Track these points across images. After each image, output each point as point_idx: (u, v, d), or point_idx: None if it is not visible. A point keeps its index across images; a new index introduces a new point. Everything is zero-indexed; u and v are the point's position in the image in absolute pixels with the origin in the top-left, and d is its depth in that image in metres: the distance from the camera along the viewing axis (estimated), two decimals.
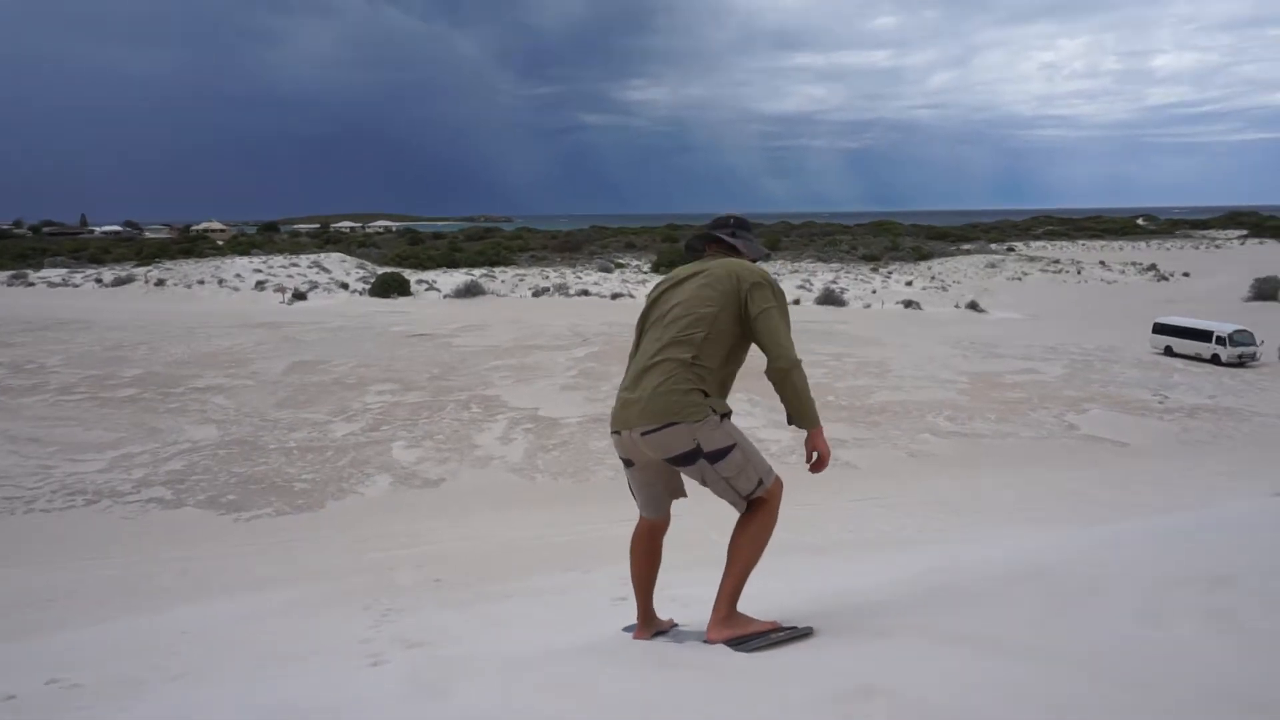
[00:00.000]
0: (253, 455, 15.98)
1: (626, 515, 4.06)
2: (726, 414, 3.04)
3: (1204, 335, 29.50)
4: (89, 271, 56.29)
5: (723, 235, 3.35)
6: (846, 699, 2.20)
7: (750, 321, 3.02)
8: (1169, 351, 30.21)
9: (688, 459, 2.97)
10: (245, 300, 43.55)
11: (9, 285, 49.61)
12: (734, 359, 3.11)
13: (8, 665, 6.40)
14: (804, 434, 3.10)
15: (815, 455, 3.04)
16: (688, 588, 6.64)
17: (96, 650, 6.80)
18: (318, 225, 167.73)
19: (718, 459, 2.97)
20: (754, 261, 3.28)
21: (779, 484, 3.15)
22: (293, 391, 21.09)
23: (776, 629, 3.02)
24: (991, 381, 23.89)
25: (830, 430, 18.35)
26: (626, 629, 3.61)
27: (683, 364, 2.95)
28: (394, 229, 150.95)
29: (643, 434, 2.98)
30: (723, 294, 3.03)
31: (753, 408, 18.51)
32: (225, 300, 43.84)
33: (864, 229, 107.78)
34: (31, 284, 50.21)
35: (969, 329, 35.69)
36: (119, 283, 49.44)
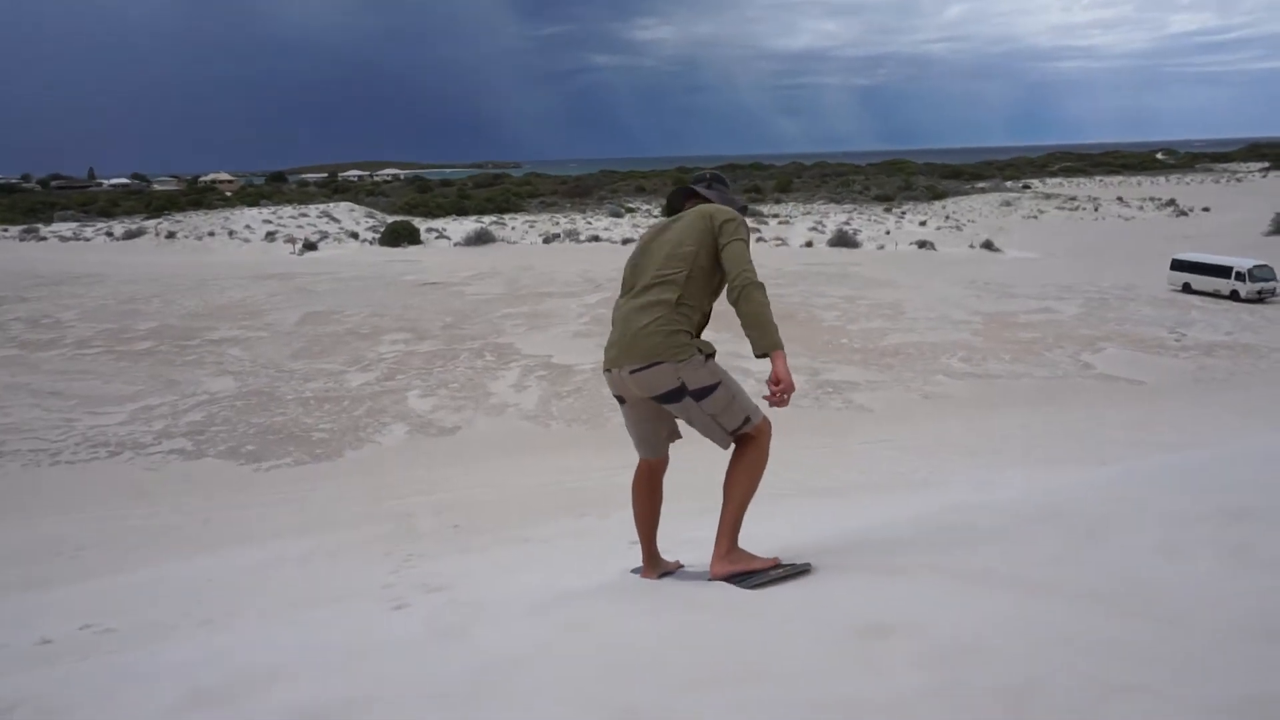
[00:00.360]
0: (270, 406, 16.15)
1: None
2: (711, 354, 3.14)
3: (1223, 271, 29.10)
4: (99, 225, 56.27)
5: (699, 189, 3.53)
6: (865, 635, 2.22)
7: (720, 251, 3.15)
8: (1187, 288, 29.86)
9: (673, 396, 3.09)
10: (256, 251, 43.55)
11: (20, 240, 49.71)
12: (714, 297, 3.24)
13: (42, 611, 6.58)
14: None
15: (775, 387, 2.93)
16: (705, 530, 6.71)
17: (126, 597, 6.97)
18: (325, 174, 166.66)
19: (702, 396, 3.08)
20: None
21: (767, 423, 3.22)
22: (307, 342, 21.20)
23: (777, 565, 3.12)
24: (1006, 322, 23.73)
25: (843, 373, 18.37)
26: (634, 570, 3.67)
27: (669, 305, 3.09)
28: (402, 177, 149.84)
29: (631, 372, 3.10)
30: (699, 233, 3.18)
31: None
32: (236, 252, 43.84)
33: (877, 169, 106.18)
34: (43, 238, 50.29)
35: (983, 269, 35.34)
36: (130, 236, 49.44)
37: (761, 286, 3.03)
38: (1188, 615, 2.13)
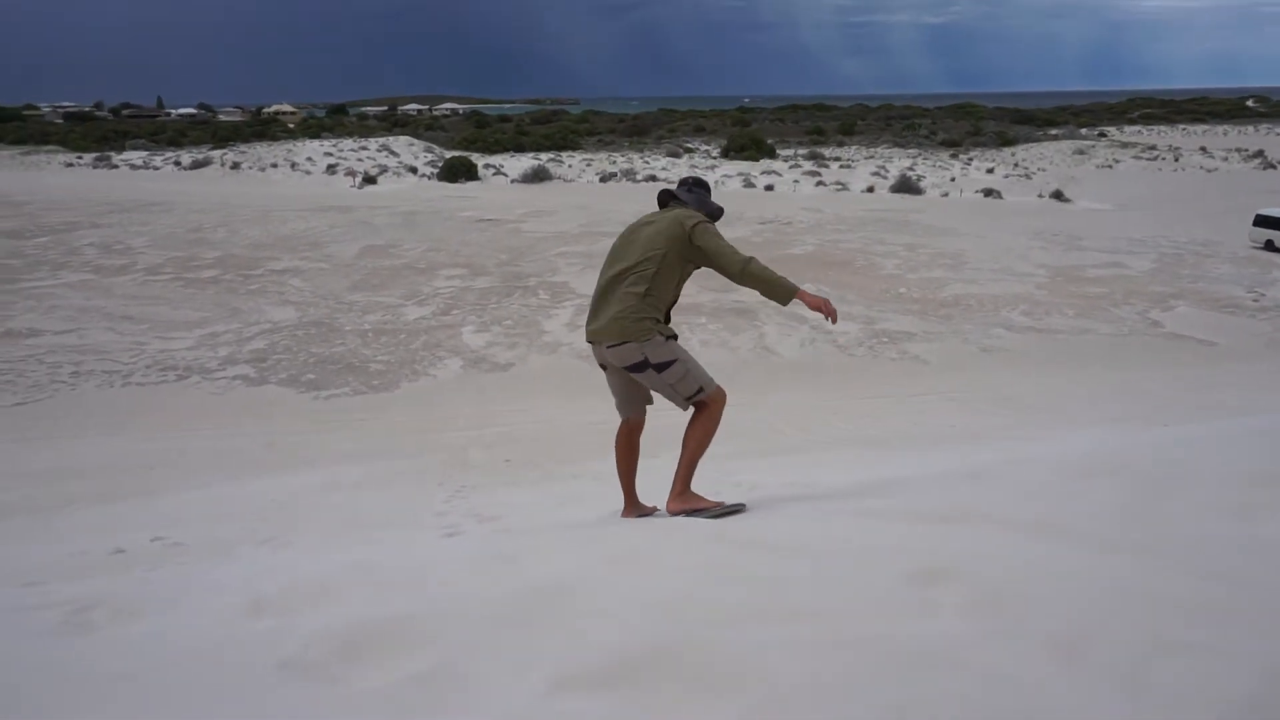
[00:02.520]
0: (329, 337, 16.51)
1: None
2: (672, 336, 3.82)
3: None
4: (168, 154, 57.46)
5: (679, 193, 4.17)
6: (914, 579, 2.20)
7: (700, 252, 3.78)
8: (1270, 246, 28.45)
9: (639, 368, 3.79)
10: (317, 184, 44.09)
11: (94, 167, 51.09)
12: (679, 287, 3.91)
13: (116, 522, 6.91)
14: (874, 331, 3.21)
15: (821, 312, 3.66)
16: (752, 474, 6.72)
17: (193, 513, 7.29)
18: (385, 107, 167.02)
19: (662, 369, 3.76)
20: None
21: (720, 392, 3.88)
22: (365, 275, 21.53)
23: (721, 505, 3.83)
24: (1072, 275, 22.98)
25: (899, 323, 18.05)
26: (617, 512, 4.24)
27: (638, 296, 3.75)
28: (460, 111, 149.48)
29: (608, 347, 3.79)
30: (669, 237, 3.80)
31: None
32: (298, 183, 44.45)
33: (944, 112, 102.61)
34: (115, 166, 51.60)
35: (1052, 220, 34.14)
36: (196, 165, 50.45)
37: (754, 259, 3.72)
38: (1251, 576, 2.07)
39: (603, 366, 4.00)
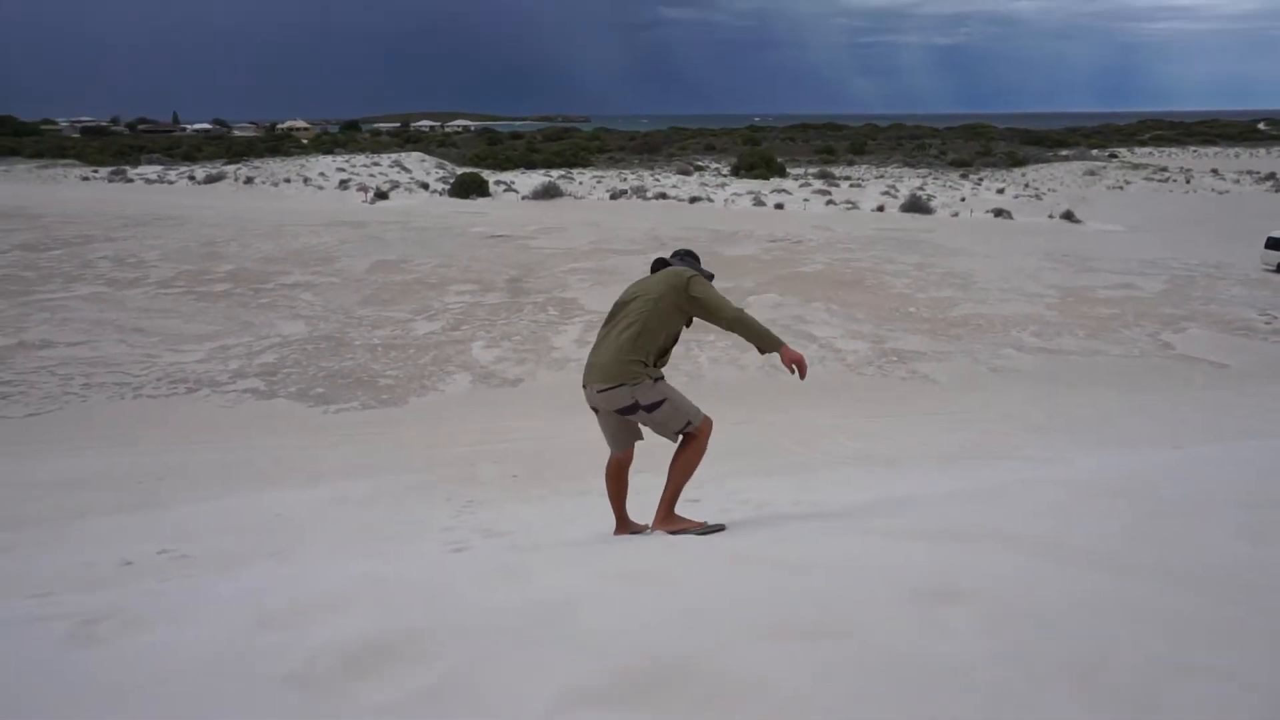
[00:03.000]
0: (339, 351, 16.57)
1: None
2: (659, 378, 4.02)
3: None
4: (182, 168, 58.00)
5: (672, 261, 4.51)
6: (927, 598, 2.18)
7: (695, 302, 4.04)
8: None
9: (629, 410, 4.01)
10: (329, 199, 44.39)
11: (110, 181, 51.59)
12: (671, 336, 4.12)
13: (125, 534, 6.93)
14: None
15: (794, 367, 3.93)
16: (761, 492, 6.69)
17: (201, 526, 7.29)
18: (398, 124, 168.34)
19: (652, 410, 3.98)
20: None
21: (708, 423, 4.11)
22: (376, 290, 21.63)
23: (703, 526, 4.07)
24: (1083, 296, 22.90)
25: (909, 342, 18.01)
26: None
27: (630, 339, 3.96)
28: (472, 128, 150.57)
29: (598, 390, 4.01)
30: (665, 286, 4.09)
31: (830, 317, 18.26)
32: (310, 198, 44.76)
33: (954, 132, 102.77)
34: (130, 180, 52.10)
35: (1062, 240, 34.08)
36: (210, 180, 50.90)
37: (743, 312, 4.02)
38: (1262, 598, 2.04)
39: (594, 409, 4.20)
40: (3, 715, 1.86)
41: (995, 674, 1.78)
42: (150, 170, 56.82)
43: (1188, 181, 60.58)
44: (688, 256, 4.57)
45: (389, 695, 1.89)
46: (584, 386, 4.18)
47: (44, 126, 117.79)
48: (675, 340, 4.20)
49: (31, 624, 2.51)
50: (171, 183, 51.28)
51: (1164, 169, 67.47)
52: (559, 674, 1.90)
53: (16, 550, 6.53)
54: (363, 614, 2.38)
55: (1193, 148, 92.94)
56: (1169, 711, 1.61)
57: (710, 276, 4.31)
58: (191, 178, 52.33)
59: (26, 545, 6.78)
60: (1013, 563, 2.44)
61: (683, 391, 4.22)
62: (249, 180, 49.82)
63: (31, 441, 11.93)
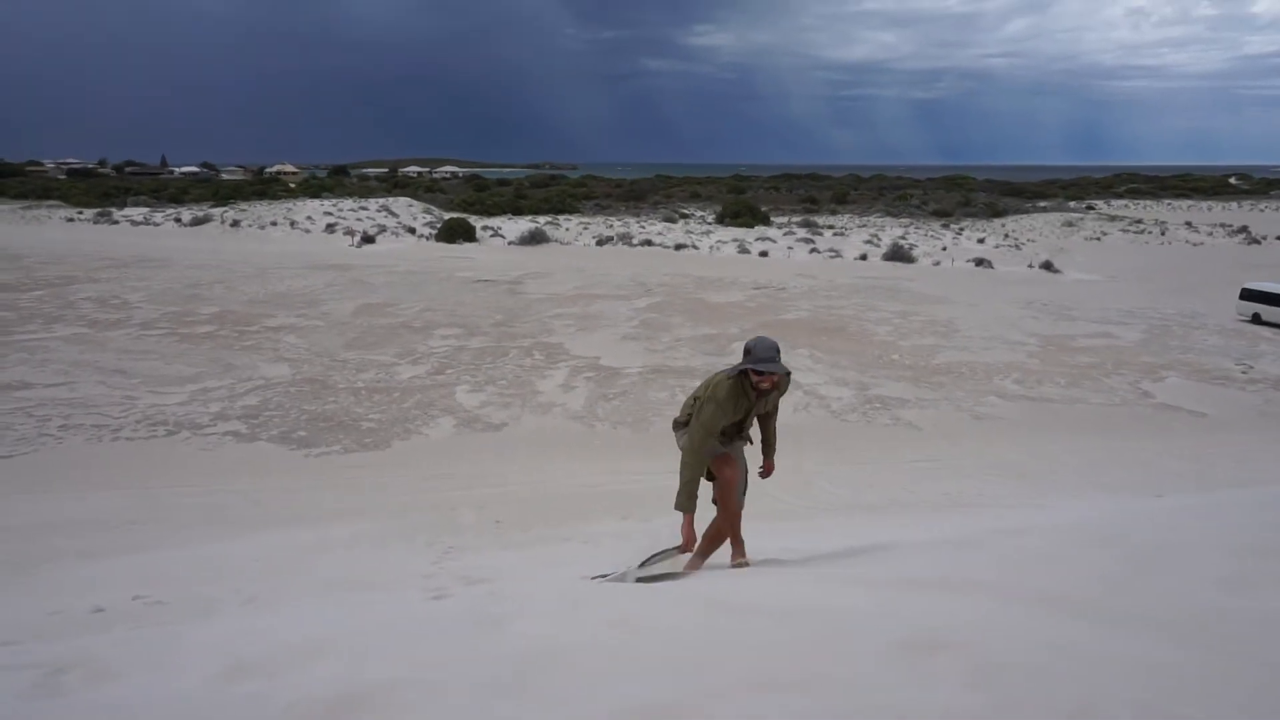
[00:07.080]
0: (323, 394, 16.45)
1: None
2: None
3: None
4: (169, 211, 57.97)
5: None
6: (912, 649, 2.16)
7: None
8: (1257, 319, 28.78)
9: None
10: (316, 242, 44.46)
11: (95, 223, 51.47)
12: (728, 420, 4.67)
13: (97, 581, 6.78)
14: (884, 396, 3.26)
15: (686, 545, 4.57)
16: (747, 539, 6.64)
17: (177, 571, 7.15)
18: (386, 169, 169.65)
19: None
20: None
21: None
22: (361, 333, 21.57)
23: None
24: (1063, 345, 23.15)
25: (892, 389, 18.11)
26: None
27: (682, 426, 4.69)
28: (460, 174, 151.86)
29: None
30: (704, 390, 4.68)
31: (814, 364, 18.36)
32: (297, 242, 44.82)
33: (935, 183, 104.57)
34: (116, 222, 51.99)
35: (1042, 290, 34.55)
36: (197, 222, 50.89)
37: (691, 453, 4.55)
38: (1250, 649, 2.04)
39: None
40: None
41: None
42: (136, 212, 56.78)
43: (1163, 233, 61.72)
44: (749, 351, 4.70)
45: None
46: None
47: (30, 168, 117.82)
48: (735, 426, 4.76)
49: None
50: (158, 225, 51.25)
51: (1139, 221, 68.73)
52: None
53: None
54: (340, 665, 2.33)
55: (1167, 200, 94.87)
56: None
57: (787, 373, 4.72)
58: (178, 220, 52.30)
59: None
60: (999, 612, 2.43)
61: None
62: (235, 223, 49.88)
63: (3, 484, 11.72)
